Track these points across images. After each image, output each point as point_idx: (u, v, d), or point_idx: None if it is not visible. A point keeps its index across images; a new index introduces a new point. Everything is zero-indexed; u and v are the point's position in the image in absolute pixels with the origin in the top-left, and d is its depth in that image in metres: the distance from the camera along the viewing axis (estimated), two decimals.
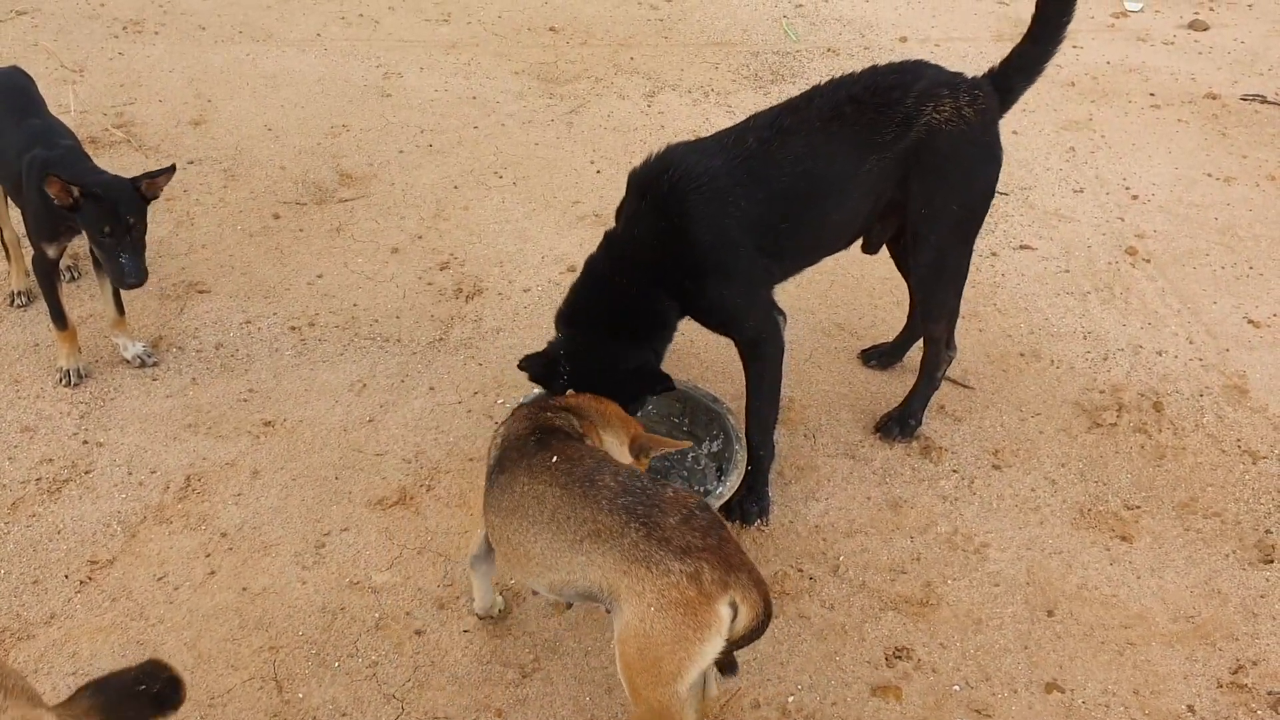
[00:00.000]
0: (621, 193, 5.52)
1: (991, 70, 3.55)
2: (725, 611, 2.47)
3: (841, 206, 3.46)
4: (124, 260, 3.76)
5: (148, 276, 3.85)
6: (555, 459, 2.81)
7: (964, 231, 3.61)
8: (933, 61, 3.59)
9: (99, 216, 3.70)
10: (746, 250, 3.33)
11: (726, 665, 2.61)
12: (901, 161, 3.40)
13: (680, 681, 2.50)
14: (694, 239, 3.28)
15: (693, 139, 3.51)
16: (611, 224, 3.57)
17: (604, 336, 3.37)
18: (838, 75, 3.51)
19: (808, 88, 3.53)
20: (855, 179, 3.39)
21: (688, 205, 3.24)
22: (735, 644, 2.54)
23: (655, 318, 3.41)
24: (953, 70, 3.52)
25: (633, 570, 2.52)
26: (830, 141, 3.34)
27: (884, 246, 3.87)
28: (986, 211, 3.64)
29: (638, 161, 3.44)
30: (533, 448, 2.88)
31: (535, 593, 3.25)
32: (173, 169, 3.87)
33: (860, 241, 3.78)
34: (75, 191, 3.63)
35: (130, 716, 1.71)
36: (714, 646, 2.49)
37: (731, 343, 3.63)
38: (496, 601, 3.25)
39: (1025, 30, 3.54)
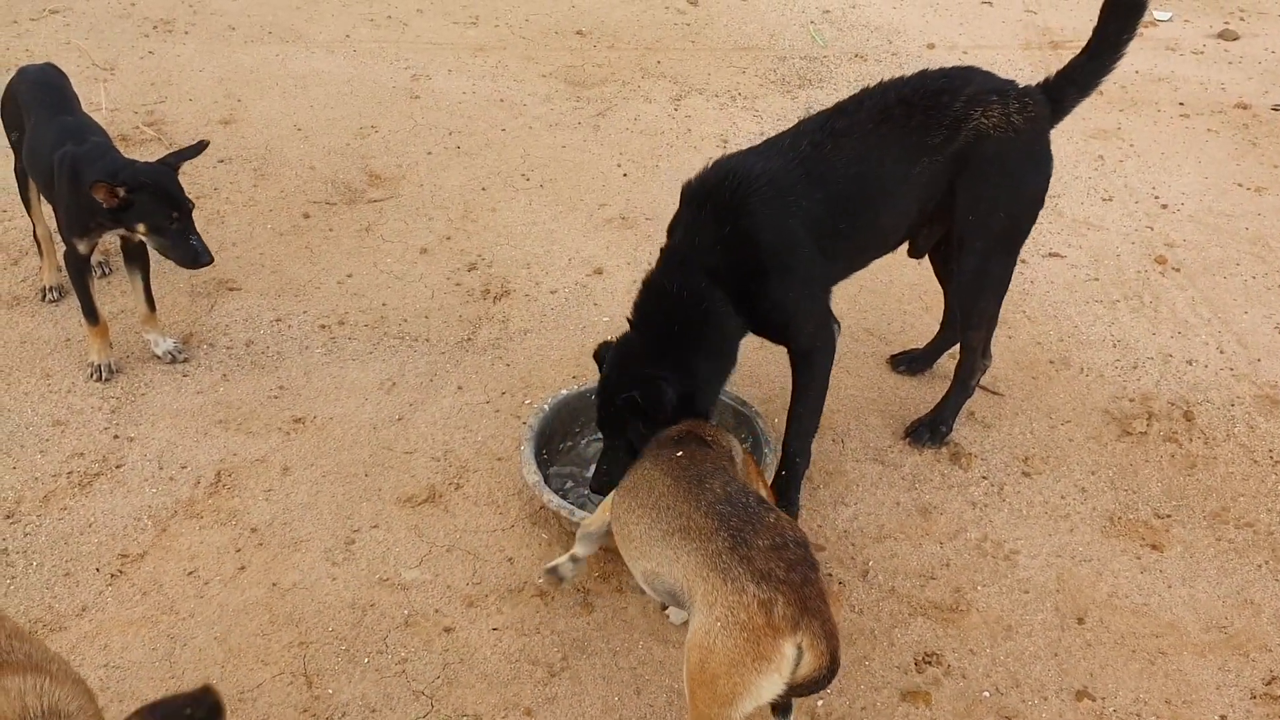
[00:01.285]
0: (648, 196, 5.56)
1: (1046, 80, 3.53)
2: (790, 651, 2.40)
3: (894, 208, 3.45)
4: (194, 241, 3.85)
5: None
6: (680, 454, 2.88)
7: (1009, 240, 3.59)
8: None
9: (161, 206, 3.77)
10: (808, 251, 3.31)
11: (779, 705, 2.53)
12: (950, 165, 3.39)
13: (734, 707, 2.45)
14: (757, 240, 3.26)
15: (744, 149, 3.50)
16: (653, 237, 3.56)
17: (655, 343, 3.35)
18: (886, 79, 3.50)
19: (838, 93, 3.54)
20: (907, 180, 3.38)
21: (750, 207, 3.23)
22: (794, 690, 2.45)
23: (713, 323, 3.36)
24: (1004, 78, 3.51)
25: (710, 579, 2.50)
26: (882, 143, 3.33)
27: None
28: (1033, 221, 3.61)
29: (692, 174, 3.43)
30: (671, 444, 2.96)
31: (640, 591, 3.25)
32: (205, 145, 3.94)
33: (907, 246, 3.77)
34: (121, 191, 3.66)
35: None
36: (771, 683, 2.42)
37: (759, 346, 3.61)
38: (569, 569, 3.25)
39: (1085, 43, 3.51)
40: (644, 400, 3.28)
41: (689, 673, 2.54)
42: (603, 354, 3.53)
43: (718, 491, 2.67)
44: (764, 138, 3.56)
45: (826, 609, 2.45)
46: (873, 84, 3.49)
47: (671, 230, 3.44)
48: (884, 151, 3.33)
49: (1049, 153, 3.52)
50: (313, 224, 5.21)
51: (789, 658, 2.40)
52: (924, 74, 3.46)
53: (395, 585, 3.37)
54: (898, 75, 3.52)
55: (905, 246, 3.79)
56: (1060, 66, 3.58)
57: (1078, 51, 3.57)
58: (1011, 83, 3.48)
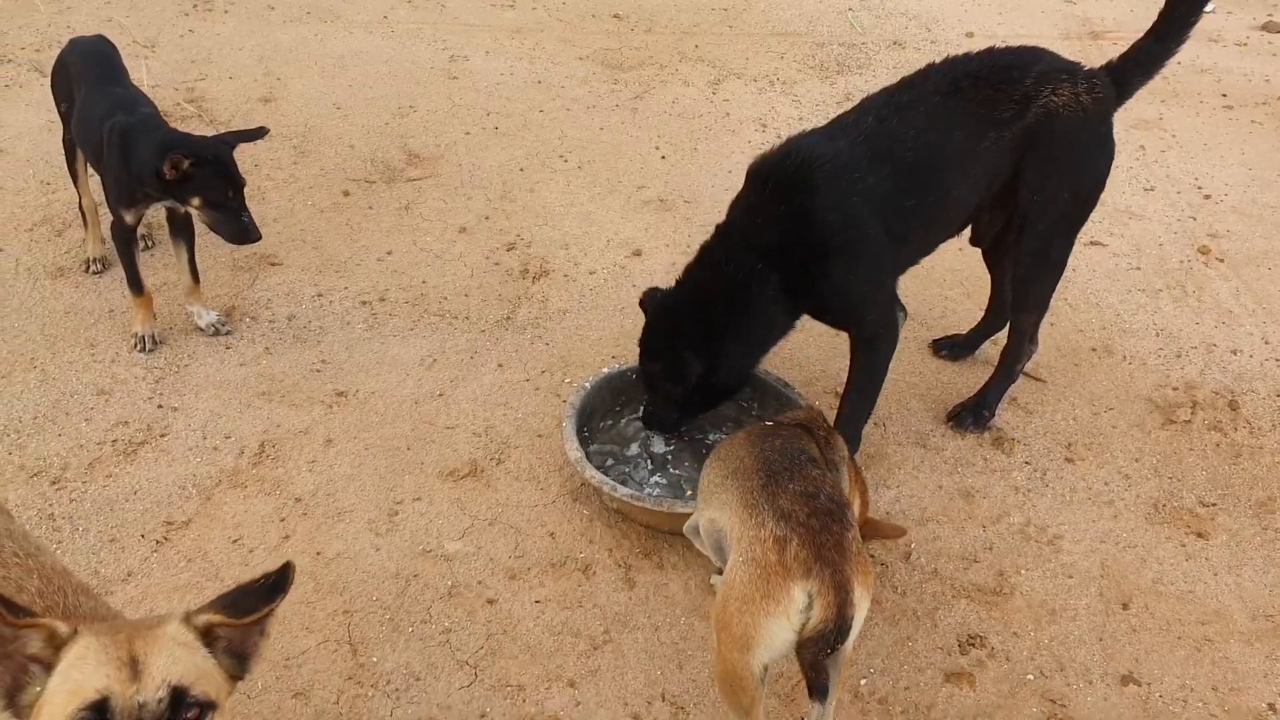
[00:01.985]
0: (687, 179, 5.55)
1: (1110, 63, 3.50)
2: (799, 596, 2.38)
3: (962, 182, 3.40)
4: (246, 218, 3.89)
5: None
6: (770, 422, 3.01)
7: (1071, 223, 3.56)
8: None
9: (220, 181, 3.81)
10: (874, 232, 3.27)
11: (815, 686, 2.46)
12: (1018, 142, 3.35)
13: (749, 652, 2.44)
14: (818, 219, 3.24)
15: (811, 129, 3.48)
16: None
17: (693, 312, 3.38)
18: (952, 55, 3.47)
19: (876, 79, 3.53)
20: (975, 154, 3.35)
21: (811, 184, 3.21)
22: (804, 647, 2.41)
23: (756, 305, 3.36)
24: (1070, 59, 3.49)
25: (741, 514, 2.55)
26: (949, 116, 3.31)
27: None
28: (1094, 206, 3.58)
29: (756, 154, 3.42)
30: (776, 423, 3.05)
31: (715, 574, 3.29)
32: (264, 131, 3.98)
33: (970, 233, 3.75)
34: (185, 164, 3.68)
35: (247, 607, 1.80)
36: (780, 628, 2.40)
37: (799, 328, 3.59)
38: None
39: (1150, 25, 3.47)
40: (665, 374, 3.46)
41: (715, 613, 2.57)
42: (649, 301, 3.60)
43: (775, 445, 2.73)
44: (803, 123, 3.55)
45: (842, 563, 2.42)
46: (938, 59, 3.47)
47: (733, 207, 3.43)
48: (951, 124, 3.30)
49: (1113, 137, 3.50)
50: (352, 202, 5.22)
51: (798, 603, 2.38)
52: (991, 50, 3.43)
53: (438, 557, 3.38)
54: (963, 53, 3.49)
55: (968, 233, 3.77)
56: (1107, 53, 3.56)
57: (1115, 39, 3.54)
58: (1078, 64, 3.45)
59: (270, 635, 1.89)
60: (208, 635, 1.78)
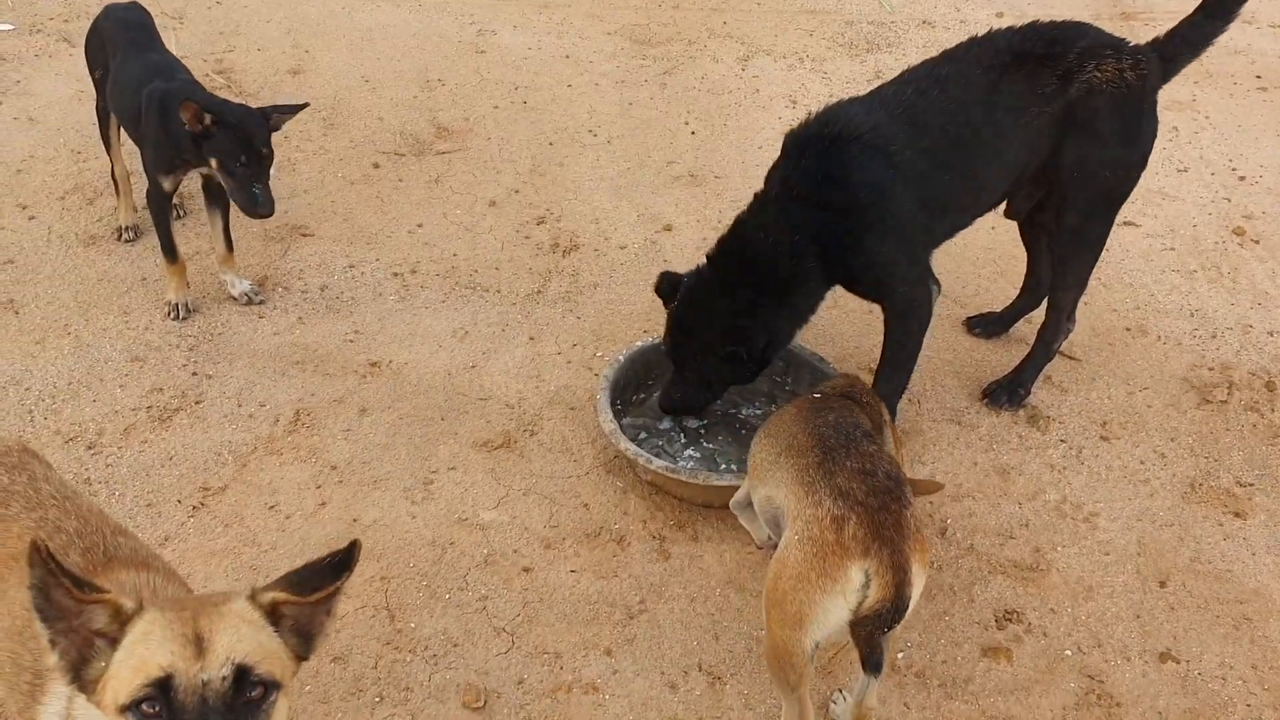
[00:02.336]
0: (717, 155, 5.52)
1: (1157, 39, 3.46)
2: (856, 575, 2.36)
3: (1000, 156, 3.38)
4: (257, 190, 3.81)
5: (275, 207, 3.89)
6: (817, 395, 3.00)
7: (1111, 200, 3.53)
8: None
9: (234, 145, 3.74)
10: (909, 205, 3.26)
11: (870, 660, 2.45)
12: (1059, 118, 3.32)
13: (803, 631, 2.44)
14: (854, 190, 3.22)
15: (850, 97, 3.45)
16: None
17: (738, 289, 3.36)
18: (995, 28, 3.44)
19: (906, 58, 3.50)
20: (1015, 128, 3.32)
21: (850, 155, 3.19)
22: (859, 625, 2.40)
23: (799, 278, 3.34)
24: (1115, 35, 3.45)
25: (797, 492, 2.53)
26: (991, 89, 3.28)
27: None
28: (1135, 183, 3.54)
29: (795, 123, 3.40)
30: (821, 393, 3.05)
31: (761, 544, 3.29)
32: (305, 105, 3.99)
33: (1004, 206, 3.72)
34: (207, 119, 3.66)
35: (313, 585, 1.76)
36: (835, 606, 2.39)
37: (831, 304, 3.57)
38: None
39: (1200, 1, 3.43)
40: (748, 355, 3.39)
41: (766, 590, 2.56)
42: (666, 286, 3.57)
43: (828, 420, 2.70)
44: (833, 100, 3.50)
45: (901, 542, 2.40)
46: (980, 33, 3.44)
47: (769, 177, 3.41)
48: (994, 96, 3.27)
49: (1156, 113, 3.46)
50: (382, 174, 5.21)
51: (855, 582, 2.37)
52: (1035, 25, 3.40)
53: (474, 525, 3.38)
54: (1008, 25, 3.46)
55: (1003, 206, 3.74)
56: (1138, 34, 3.53)
57: (1147, 20, 3.51)
58: (1124, 40, 3.41)
59: (336, 614, 1.85)
60: (273, 613, 1.74)
